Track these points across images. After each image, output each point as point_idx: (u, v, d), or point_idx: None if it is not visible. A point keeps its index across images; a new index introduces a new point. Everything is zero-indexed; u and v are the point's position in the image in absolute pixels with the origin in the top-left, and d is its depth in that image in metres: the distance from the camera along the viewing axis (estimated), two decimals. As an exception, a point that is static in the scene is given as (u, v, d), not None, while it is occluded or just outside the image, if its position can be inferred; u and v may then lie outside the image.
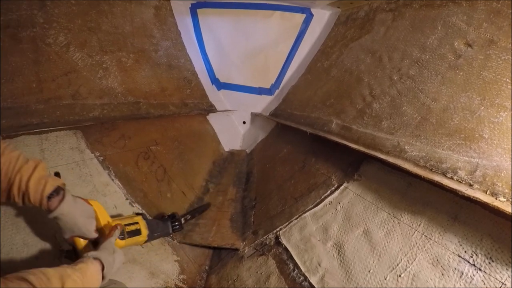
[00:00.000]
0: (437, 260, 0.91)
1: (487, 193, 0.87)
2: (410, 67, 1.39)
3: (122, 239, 0.98)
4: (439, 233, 0.95)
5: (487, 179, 0.90)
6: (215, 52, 2.77)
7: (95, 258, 0.77)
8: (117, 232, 0.91)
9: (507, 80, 1.01)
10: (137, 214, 1.13)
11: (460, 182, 0.94)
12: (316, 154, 1.74)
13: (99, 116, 1.51)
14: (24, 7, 1.31)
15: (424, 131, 1.16)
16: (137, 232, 1.05)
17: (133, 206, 1.43)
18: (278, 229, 1.43)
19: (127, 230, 1.02)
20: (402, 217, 1.07)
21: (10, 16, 1.25)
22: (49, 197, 0.77)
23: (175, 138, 2.10)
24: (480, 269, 0.82)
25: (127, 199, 1.43)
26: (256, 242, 1.45)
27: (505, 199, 0.83)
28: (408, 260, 0.96)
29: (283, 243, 1.34)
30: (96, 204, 0.96)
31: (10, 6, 1.26)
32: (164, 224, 1.26)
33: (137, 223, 1.07)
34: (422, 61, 1.35)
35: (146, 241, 1.12)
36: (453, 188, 0.89)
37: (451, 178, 0.97)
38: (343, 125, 1.59)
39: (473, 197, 0.83)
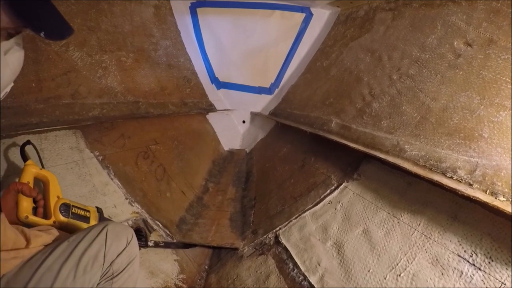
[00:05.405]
0: (437, 259, 0.90)
1: (487, 192, 0.87)
2: (410, 66, 1.39)
3: (66, 216, 0.98)
4: (438, 232, 0.95)
5: (486, 178, 0.90)
6: (214, 51, 2.77)
7: None
8: None
9: (507, 79, 1.01)
10: (97, 208, 1.12)
11: (460, 181, 0.94)
12: (315, 154, 1.74)
13: (99, 115, 1.51)
14: (23, 6, 1.30)
15: (423, 130, 1.16)
16: (84, 219, 1.04)
17: (132, 205, 1.43)
18: (277, 228, 1.43)
19: (73, 211, 1.01)
20: (401, 216, 1.07)
21: (9, 15, 1.25)
22: None
23: (175, 138, 2.10)
24: (479, 269, 0.82)
25: (126, 198, 1.43)
26: (255, 241, 1.45)
27: (504, 199, 0.83)
28: (407, 260, 0.96)
29: (282, 243, 1.34)
30: (51, 176, 1.00)
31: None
32: None
33: (88, 211, 1.06)
34: (422, 60, 1.34)
35: None
36: (452, 188, 0.89)
37: (451, 177, 0.97)
38: (342, 125, 1.59)
39: (473, 196, 0.83)
